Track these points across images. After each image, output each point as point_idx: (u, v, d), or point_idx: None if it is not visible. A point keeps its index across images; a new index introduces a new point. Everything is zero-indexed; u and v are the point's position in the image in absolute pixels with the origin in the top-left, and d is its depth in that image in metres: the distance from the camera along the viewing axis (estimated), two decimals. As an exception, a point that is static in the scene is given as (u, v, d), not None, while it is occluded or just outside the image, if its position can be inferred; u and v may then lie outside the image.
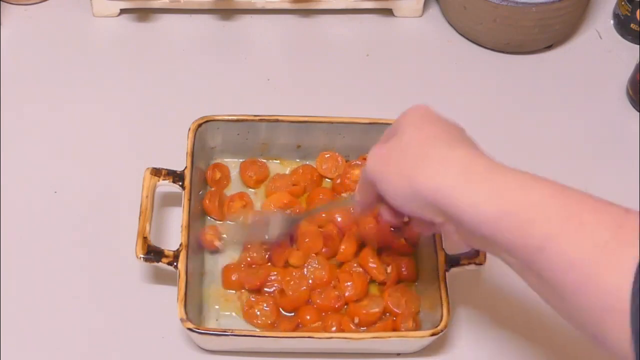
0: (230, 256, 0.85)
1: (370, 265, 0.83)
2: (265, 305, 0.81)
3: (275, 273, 0.83)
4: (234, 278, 0.83)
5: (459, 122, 0.69)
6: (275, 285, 0.82)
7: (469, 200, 0.60)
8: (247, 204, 0.88)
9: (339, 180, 0.89)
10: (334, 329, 0.80)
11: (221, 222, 0.87)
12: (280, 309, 0.82)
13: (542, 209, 0.57)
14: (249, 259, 0.83)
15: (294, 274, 0.82)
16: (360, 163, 0.89)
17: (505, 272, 0.86)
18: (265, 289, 0.82)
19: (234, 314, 0.82)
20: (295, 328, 0.80)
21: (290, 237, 0.84)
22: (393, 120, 0.88)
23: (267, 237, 0.83)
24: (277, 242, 0.83)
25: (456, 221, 0.62)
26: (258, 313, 0.81)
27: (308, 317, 0.80)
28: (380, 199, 0.70)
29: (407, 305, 0.82)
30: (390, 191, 0.66)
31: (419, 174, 0.63)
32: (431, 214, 0.64)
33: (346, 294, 0.82)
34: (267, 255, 0.84)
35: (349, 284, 0.82)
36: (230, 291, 0.83)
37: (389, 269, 0.83)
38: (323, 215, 0.86)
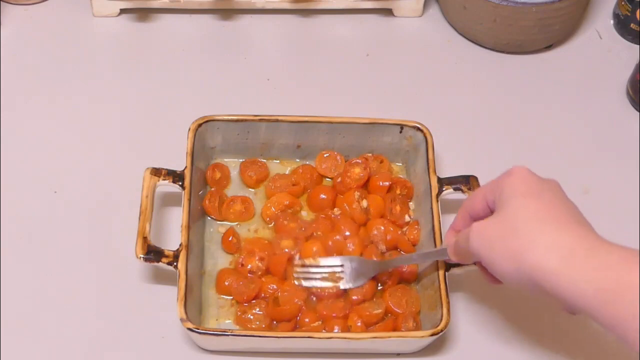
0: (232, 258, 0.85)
1: None
2: (258, 309, 0.81)
3: (275, 286, 0.82)
4: (226, 284, 0.82)
5: (554, 180, 0.71)
6: (270, 290, 0.82)
7: (570, 281, 0.63)
8: (248, 208, 0.88)
9: (339, 179, 0.89)
10: (336, 329, 0.80)
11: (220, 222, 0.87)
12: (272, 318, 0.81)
13: (633, 287, 0.60)
14: (241, 264, 0.83)
15: (294, 281, 0.82)
16: (360, 161, 0.89)
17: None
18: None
19: (227, 320, 0.81)
20: (294, 329, 0.80)
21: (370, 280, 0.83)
22: (393, 120, 0.89)
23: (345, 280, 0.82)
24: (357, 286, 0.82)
25: (556, 298, 0.65)
26: (251, 317, 0.80)
27: (307, 320, 0.80)
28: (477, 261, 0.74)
29: (407, 305, 0.81)
30: (495, 270, 0.69)
31: (523, 256, 0.65)
32: (532, 290, 0.67)
33: (353, 298, 0.81)
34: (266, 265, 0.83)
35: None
36: (224, 297, 0.83)
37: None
38: (404, 268, 0.84)
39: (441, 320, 0.77)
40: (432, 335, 0.76)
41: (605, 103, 1.02)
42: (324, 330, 0.80)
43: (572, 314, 0.69)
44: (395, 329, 0.80)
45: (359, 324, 0.80)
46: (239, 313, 0.81)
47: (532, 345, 0.83)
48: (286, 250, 0.83)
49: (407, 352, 0.81)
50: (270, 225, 0.87)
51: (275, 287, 0.82)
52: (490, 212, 0.72)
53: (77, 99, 0.98)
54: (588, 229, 0.67)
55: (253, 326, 0.80)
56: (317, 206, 0.88)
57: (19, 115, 0.95)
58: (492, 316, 0.84)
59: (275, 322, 0.80)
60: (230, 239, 0.85)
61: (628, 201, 0.93)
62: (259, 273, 0.83)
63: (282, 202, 0.87)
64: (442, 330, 0.76)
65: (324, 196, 0.88)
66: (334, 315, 0.80)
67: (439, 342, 0.81)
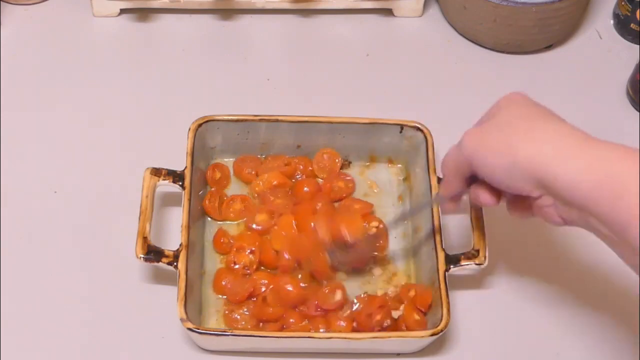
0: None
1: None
2: (245, 309, 0.81)
3: (266, 281, 0.82)
4: (223, 283, 0.82)
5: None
6: (263, 286, 0.82)
7: (566, 171, 0.62)
8: (248, 206, 0.88)
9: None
10: (322, 330, 0.79)
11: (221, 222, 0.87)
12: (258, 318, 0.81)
13: (630, 183, 0.59)
14: (234, 264, 0.83)
15: (280, 281, 0.81)
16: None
17: (505, 272, 0.87)
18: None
19: (216, 318, 0.81)
20: (281, 329, 0.80)
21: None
22: (393, 120, 0.89)
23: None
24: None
25: (553, 193, 0.64)
26: (237, 317, 0.80)
27: (292, 320, 0.80)
28: (469, 183, 0.72)
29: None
30: (489, 166, 0.68)
31: (518, 147, 0.65)
32: (529, 187, 0.66)
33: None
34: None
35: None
36: (223, 297, 0.83)
37: (399, 312, 0.82)
38: (405, 222, 0.87)
39: (441, 320, 0.77)
40: (432, 335, 0.76)
41: (605, 103, 1.02)
42: (323, 330, 0.80)
43: (563, 225, 0.67)
44: (394, 329, 0.80)
45: (343, 324, 0.80)
46: (227, 312, 0.81)
47: (532, 346, 0.83)
48: (260, 227, 0.85)
49: (407, 352, 0.81)
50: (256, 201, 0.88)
51: (266, 281, 0.82)
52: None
53: (77, 99, 0.98)
54: (579, 129, 0.66)
55: (239, 326, 0.80)
56: (299, 197, 0.88)
57: (19, 115, 0.95)
58: (492, 316, 0.84)
59: (261, 323, 0.80)
60: (221, 240, 0.85)
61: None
62: (254, 267, 0.83)
63: (271, 180, 0.88)
64: (442, 330, 0.76)
65: (307, 189, 0.88)
66: (314, 314, 0.80)
67: (439, 342, 0.81)
